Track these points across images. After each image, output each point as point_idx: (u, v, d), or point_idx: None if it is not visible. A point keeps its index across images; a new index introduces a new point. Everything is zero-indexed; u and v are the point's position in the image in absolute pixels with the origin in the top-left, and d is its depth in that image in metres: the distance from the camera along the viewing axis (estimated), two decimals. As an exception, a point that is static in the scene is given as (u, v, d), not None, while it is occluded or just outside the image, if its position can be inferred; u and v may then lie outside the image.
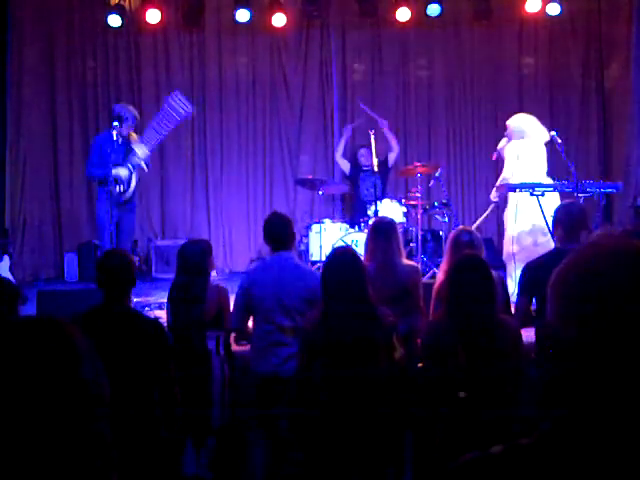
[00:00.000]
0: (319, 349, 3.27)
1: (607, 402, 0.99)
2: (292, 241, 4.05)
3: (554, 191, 6.08)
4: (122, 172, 6.25)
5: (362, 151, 8.19)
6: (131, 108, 6.51)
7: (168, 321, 4.21)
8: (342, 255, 3.44)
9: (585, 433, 1.00)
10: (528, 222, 6.22)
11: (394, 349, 3.36)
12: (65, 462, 1.07)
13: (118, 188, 6.24)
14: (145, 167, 6.44)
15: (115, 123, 6.16)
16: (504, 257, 6.59)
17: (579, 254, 1.07)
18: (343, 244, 6.69)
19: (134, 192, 6.47)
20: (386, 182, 8.24)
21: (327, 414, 3.24)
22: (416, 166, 7.56)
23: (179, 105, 6.25)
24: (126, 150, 6.32)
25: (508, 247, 6.43)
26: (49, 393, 1.07)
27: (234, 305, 3.99)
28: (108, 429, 1.13)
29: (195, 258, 4.07)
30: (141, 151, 6.30)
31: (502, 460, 1.05)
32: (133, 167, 6.33)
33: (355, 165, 8.45)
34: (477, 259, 3.31)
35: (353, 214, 8.23)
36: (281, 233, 4.01)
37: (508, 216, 6.50)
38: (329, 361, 3.23)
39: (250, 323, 4.12)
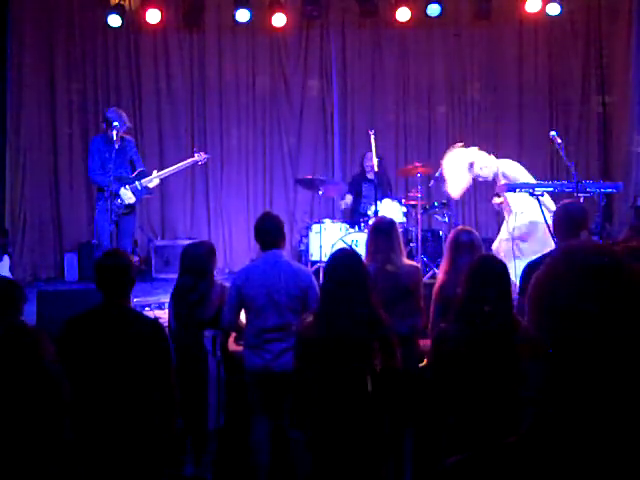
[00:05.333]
0: (315, 351, 3.24)
1: (580, 401, 1.03)
2: (282, 240, 4.07)
3: (554, 191, 6.08)
4: (127, 195, 6.42)
5: (369, 155, 7.87)
6: (123, 113, 6.52)
7: (169, 321, 4.21)
8: (345, 257, 3.39)
9: (564, 431, 1.02)
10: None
11: (392, 352, 3.33)
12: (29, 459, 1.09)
13: (119, 201, 6.40)
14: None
15: (115, 123, 6.19)
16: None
17: (551, 267, 1.11)
18: (343, 244, 6.69)
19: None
20: (387, 190, 8.11)
21: (323, 416, 3.23)
22: (416, 166, 7.55)
23: (202, 160, 7.04)
24: (129, 161, 6.46)
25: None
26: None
27: (226, 304, 4.01)
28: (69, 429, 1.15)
29: (201, 260, 4.10)
30: (155, 181, 6.67)
31: (489, 459, 1.06)
32: (141, 189, 6.51)
33: (360, 172, 8.36)
34: (494, 262, 3.22)
35: (352, 218, 8.16)
36: (271, 231, 4.02)
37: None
38: (325, 363, 3.21)
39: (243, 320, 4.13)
